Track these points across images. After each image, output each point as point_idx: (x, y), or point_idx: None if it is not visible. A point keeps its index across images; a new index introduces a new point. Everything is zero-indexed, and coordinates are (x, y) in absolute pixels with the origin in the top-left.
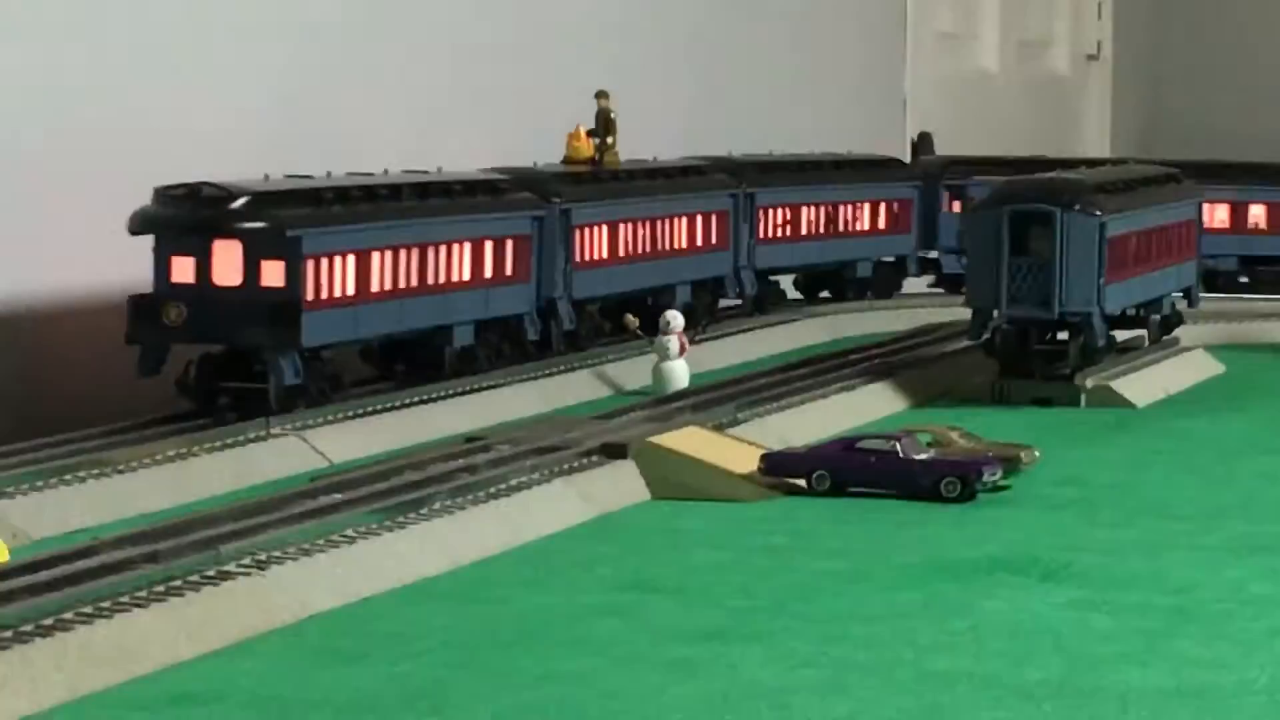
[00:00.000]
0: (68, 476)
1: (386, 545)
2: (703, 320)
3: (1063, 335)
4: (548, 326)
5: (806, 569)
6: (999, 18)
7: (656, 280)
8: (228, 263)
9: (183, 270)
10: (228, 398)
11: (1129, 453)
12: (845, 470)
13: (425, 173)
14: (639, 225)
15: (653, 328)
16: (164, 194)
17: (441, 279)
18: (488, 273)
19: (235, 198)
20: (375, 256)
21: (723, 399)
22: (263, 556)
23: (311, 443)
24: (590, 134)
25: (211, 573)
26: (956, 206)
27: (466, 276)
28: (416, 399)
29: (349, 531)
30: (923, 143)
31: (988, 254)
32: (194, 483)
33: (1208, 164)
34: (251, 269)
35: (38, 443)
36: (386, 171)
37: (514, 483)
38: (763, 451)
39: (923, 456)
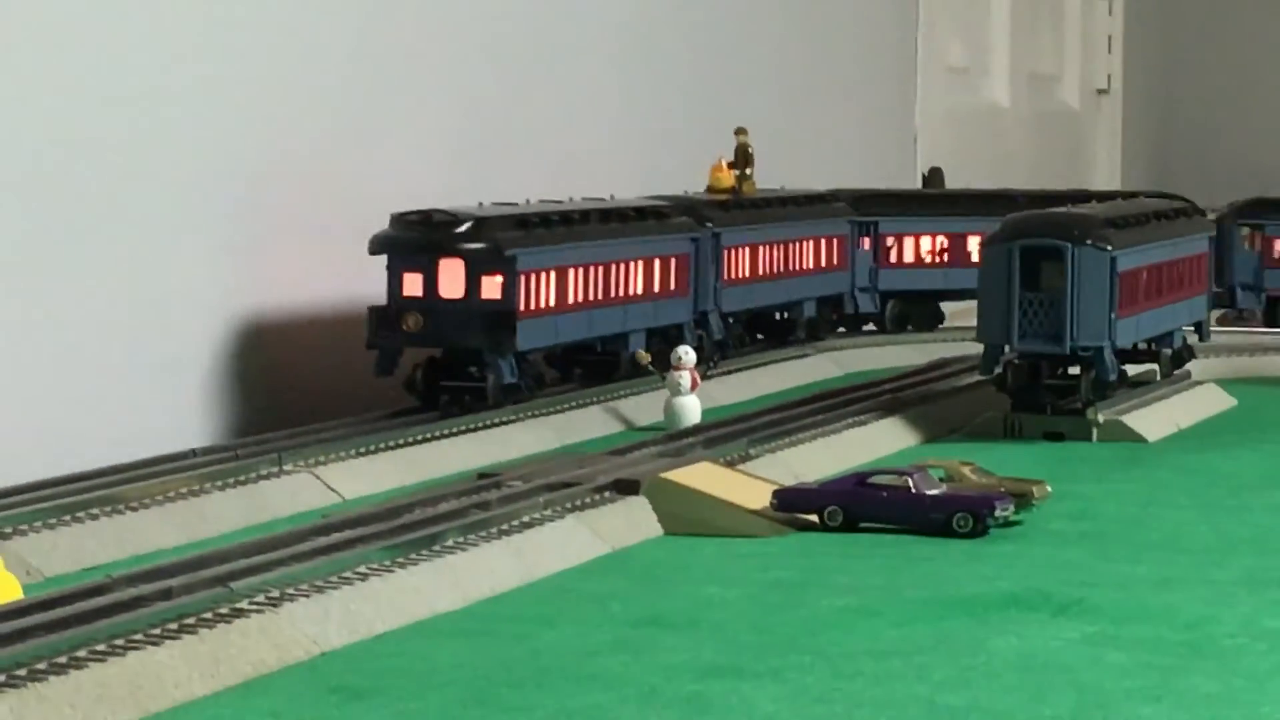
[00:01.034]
0: (81, 514)
1: (399, 581)
2: (713, 356)
3: (1074, 370)
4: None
5: (818, 604)
6: (1009, 52)
7: (788, 296)
8: (453, 278)
9: (413, 285)
10: (448, 395)
11: (1141, 487)
12: (857, 505)
13: (603, 200)
14: (775, 247)
15: (664, 362)
16: (399, 219)
17: (621, 292)
18: (656, 287)
19: (461, 222)
20: (571, 273)
21: (735, 434)
22: (275, 593)
23: (324, 479)
24: (730, 166)
25: (224, 609)
26: (1255, 244)
27: (639, 291)
28: (429, 435)
29: (361, 568)
30: (933, 177)
31: (999, 289)
32: (207, 520)
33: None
34: (473, 283)
35: (51, 480)
36: (571, 199)
37: (526, 519)
38: (775, 487)
39: (935, 492)
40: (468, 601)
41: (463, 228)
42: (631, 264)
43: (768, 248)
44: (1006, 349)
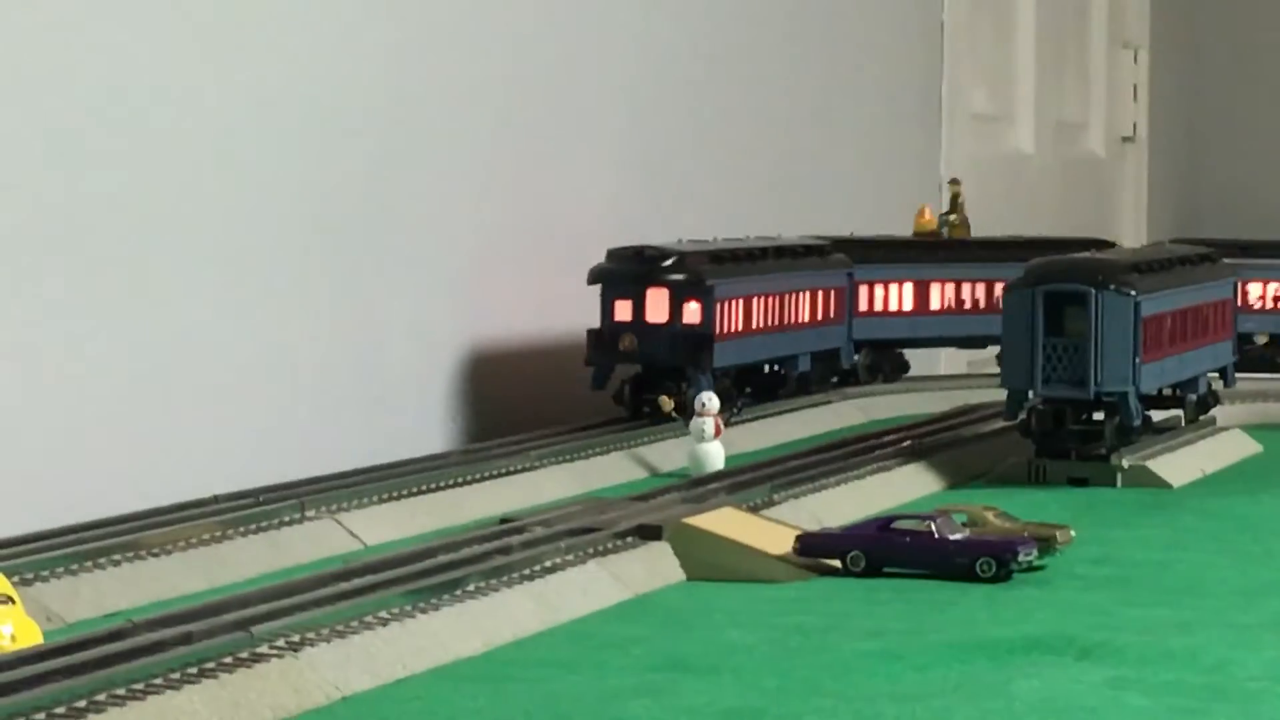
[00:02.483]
0: (102, 560)
1: (420, 626)
2: (738, 402)
3: (1098, 415)
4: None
5: (841, 649)
6: (1034, 100)
7: (927, 333)
8: (659, 305)
9: (624, 311)
10: (648, 408)
11: (1165, 532)
12: (880, 550)
13: (773, 238)
14: (915, 285)
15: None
16: (614, 254)
17: (792, 319)
18: (819, 315)
19: (666, 256)
20: (755, 301)
21: (758, 480)
22: (296, 638)
23: (346, 525)
24: (945, 214)
25: (245, 654)
26: None
27: (806, 318)
28: (451, 481)
29: (383, 613)
30: None
31: (1022, 334)
32: (228, 565)
33: (1247, 243)
34: (676, 309)
35: (73, 526)
36: (748, 236)
37: (548, 564)
38: (798, 532)
39: (958, 536)
40: (489, 646)
41: (668, 261)
42: (801, 294)
43: (901, 285)
44: (1030, 394)
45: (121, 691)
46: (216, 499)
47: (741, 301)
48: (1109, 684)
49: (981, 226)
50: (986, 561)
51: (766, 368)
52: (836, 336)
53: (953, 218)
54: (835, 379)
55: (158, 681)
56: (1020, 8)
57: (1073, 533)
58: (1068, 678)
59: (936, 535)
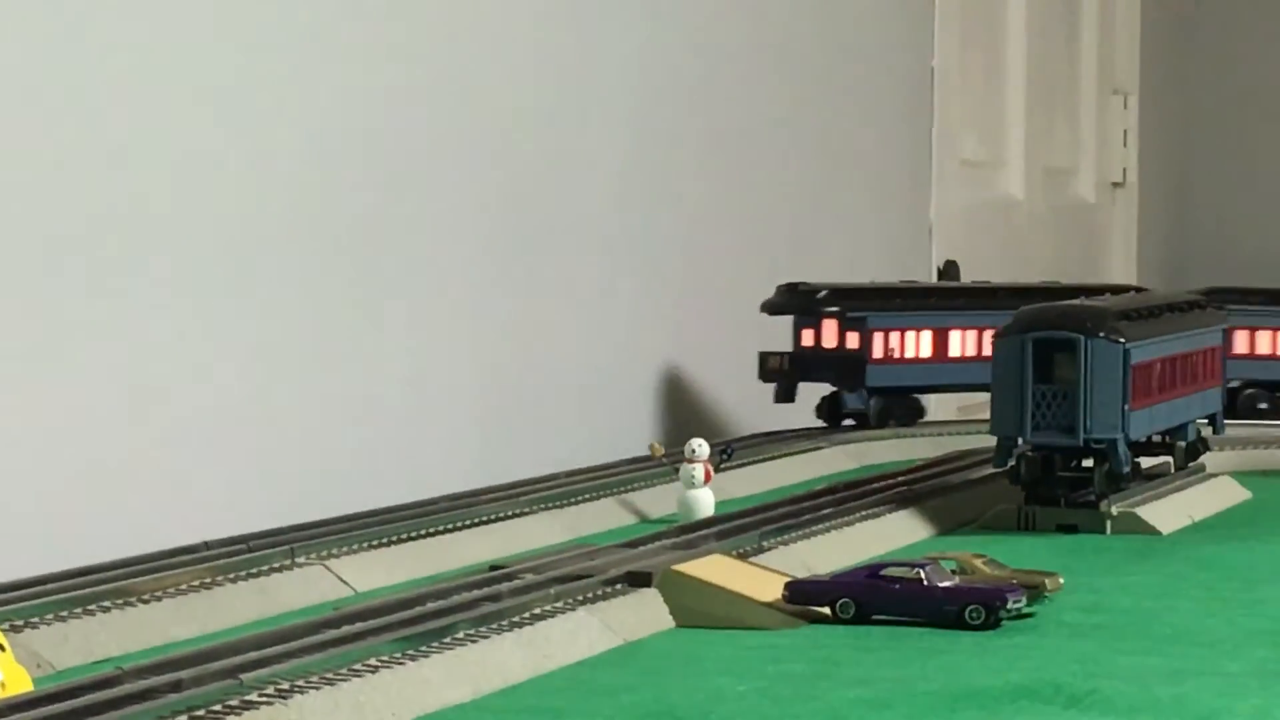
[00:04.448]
0: (92, 606)
1: (410, 674)
2: (728, 449)
3: (1088, 462)
4: None
5: (830, 697)
6: (1024, 145)
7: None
8: (830, 333)
9: (807, 338)
10: (850, 419)
11: (1154, 579)
12: (869, 598)
13: (916, 280)
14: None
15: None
16: (784, 288)
17: (937, 353)
18: (974, 352)
19: (822, 290)
20: (906, 333)
21: (748, 527)
22: (286, 685)
23: (336, 572)
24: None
25: (235, 701)
26: None
27: (954, 354)
28: (441, 528)
29: (372, 660)
30: (949, 270)
31: (1012, 381)
32: (218, 612)
33: (1236, 290)
34: (841, 337)
35: (61, 573)
36: (873, 280)
37: (538, 611)
38: (787, 579)
39: (947, 584)
40: (478, 694)
41: (823, 294)
42: (946, 331)
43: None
44: (1020, 441)
45: None
46: (207, 545)
47: (893, 333)
48: None
49: (971, 272)
50: (975, 609)
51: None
52: (978, 373)
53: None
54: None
55: None
56: (1010, 53)
57: (1062, 580)
58: None
59: (925, 583)
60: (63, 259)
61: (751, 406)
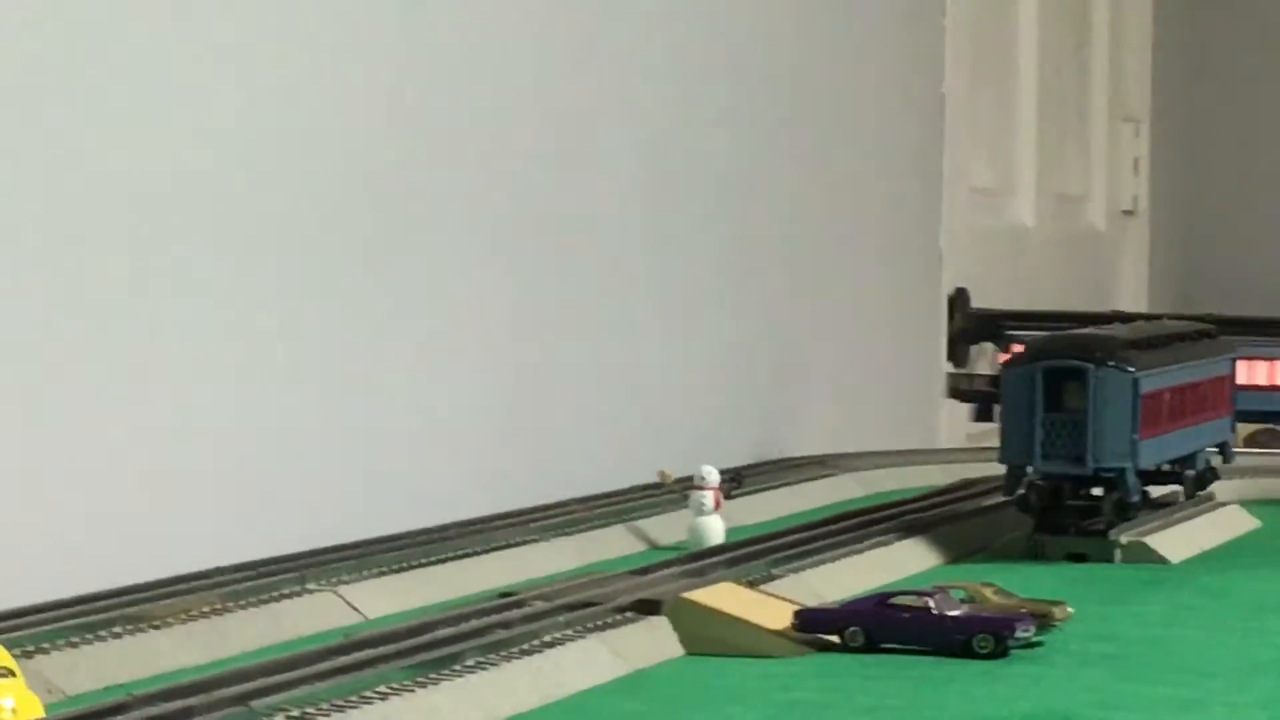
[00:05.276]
0: (103, 632)
1: (420, 701)
2: (737, 476)
3: (1097, 491)
4: None
5: None
6: (1035, 173)
7: None
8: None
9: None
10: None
11: (1163, 609)
12: (878, 626)
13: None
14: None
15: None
16: (973, 314)
17: None
18: None
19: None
20: None
21: (757, 554)
22: (296, 712)
23: (347, 598)
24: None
25: None
26: None
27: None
28: (451, 554)
29: (382, 687)
30: (959, 298)
31: (1021, 410)
32: (228, 639)
33: (1247, 319)
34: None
35: (73, 598)
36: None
37: (547, 638)
38: (796, 607)
39: (956, 613)
40: None
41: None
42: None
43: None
44: (1029, 470)
45: None
46: (218, 571)
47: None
48: None
49: (981, 299)
50: (984, 638)
51: None
52: None
53: None
54: None
55: None
56: (1021, 81)
57: (1070, 609)
58: None
59: (934, 611)
60: (66, 280)
61: (761, 433)
